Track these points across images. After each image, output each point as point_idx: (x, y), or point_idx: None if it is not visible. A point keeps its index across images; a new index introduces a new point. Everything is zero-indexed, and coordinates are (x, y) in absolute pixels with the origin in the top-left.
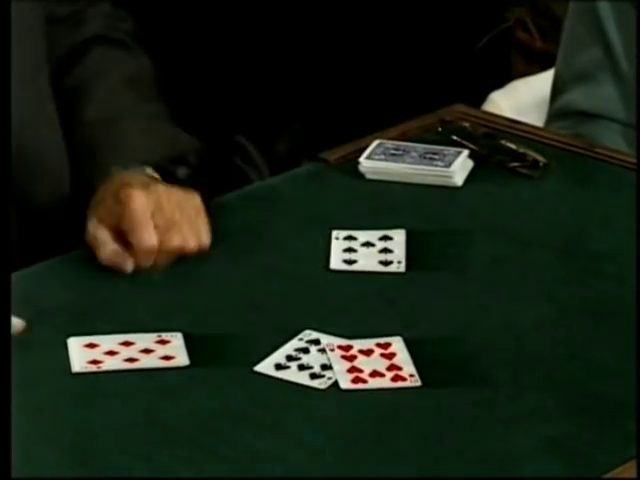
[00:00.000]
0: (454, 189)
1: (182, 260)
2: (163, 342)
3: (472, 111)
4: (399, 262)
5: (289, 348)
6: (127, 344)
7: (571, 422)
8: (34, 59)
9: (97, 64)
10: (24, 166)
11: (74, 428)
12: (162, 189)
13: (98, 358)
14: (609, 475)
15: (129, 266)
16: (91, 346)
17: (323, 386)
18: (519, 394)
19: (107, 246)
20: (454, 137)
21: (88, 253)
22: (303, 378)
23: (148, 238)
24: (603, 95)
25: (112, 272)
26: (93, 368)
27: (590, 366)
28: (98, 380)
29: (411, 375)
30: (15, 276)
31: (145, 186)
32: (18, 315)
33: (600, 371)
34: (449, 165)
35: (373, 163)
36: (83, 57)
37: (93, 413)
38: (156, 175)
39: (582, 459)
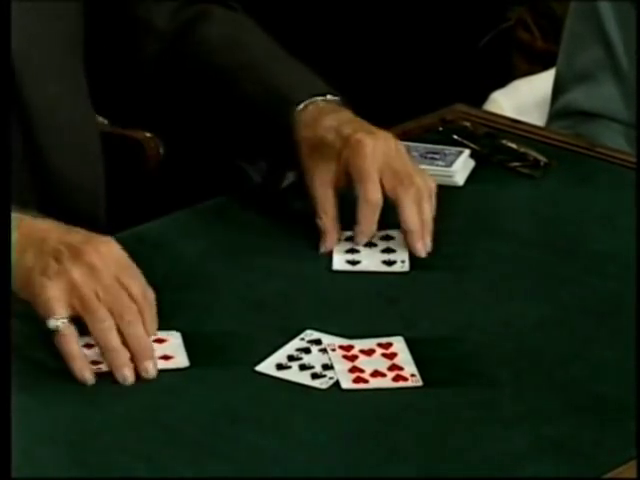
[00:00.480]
0: (455, 189)
1: (182, 259)
2: (160, 341)
3: (473, 111)
4: (402, 261)
5: (290, 348)
6: None
7: (572, 422)
8: (71, 34)
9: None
10: (58, 143)
11: (74, 428)
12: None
13: (97, 359)
14: (610, 475)
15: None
16: (88, 346)
17: (324, 386)
18: (520, 394)
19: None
20: (455, 137)
21: None
22: (304, 378)
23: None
24: (604, 95)
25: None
26: (92, 368)
27: (591, 366)
28: (98, 380)
29: (412, 375)
30: None
31: (371, 133)
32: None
33: (601, 371)
34: (450, 165)
35: None
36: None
37: (93, 413)
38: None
39: (583, 459)
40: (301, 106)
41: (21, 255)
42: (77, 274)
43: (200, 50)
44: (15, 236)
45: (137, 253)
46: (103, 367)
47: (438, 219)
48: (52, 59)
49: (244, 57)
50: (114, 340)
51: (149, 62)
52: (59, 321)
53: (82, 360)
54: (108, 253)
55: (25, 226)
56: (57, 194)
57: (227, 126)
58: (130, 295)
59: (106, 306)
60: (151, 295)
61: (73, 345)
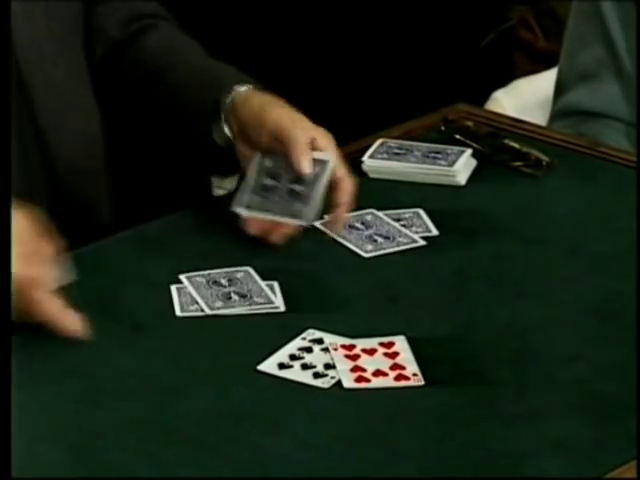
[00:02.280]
0: (457, 188)
1: (184, 257)
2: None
3: (475, 110)
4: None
5: (292, 347)
6: None
7: (574, 421)
8: (72, 20)
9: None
10: (57, 125)
11: (76, 427)
12: None
13: None
14: (611, 475)
15: None
16: None
17: (326, 385)
18: (522, 393)
19: None
20: (457, 136)
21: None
22: (306, 377)
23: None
24: (606, 94)
25: (110, 270)
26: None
27: (593, 365)
28: (100, 379)
29: (414, 374)
30: None
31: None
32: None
33: (603, 370)
34: (452, 164)
35: (376, 162)
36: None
37: (95, 412)
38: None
39: (585, 458)
40: (231, 92)
41: None
42: None
43: (140, 55)
44: None
45: (142, 251)
46: None
47: (440, 218)
48: (53, 43)
49: (177, 58)
50: None
51: (98, 66)
52: None
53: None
54: None
55: None
56: (60, 176)
57: (163, 124)
58: None
59: None
60: None
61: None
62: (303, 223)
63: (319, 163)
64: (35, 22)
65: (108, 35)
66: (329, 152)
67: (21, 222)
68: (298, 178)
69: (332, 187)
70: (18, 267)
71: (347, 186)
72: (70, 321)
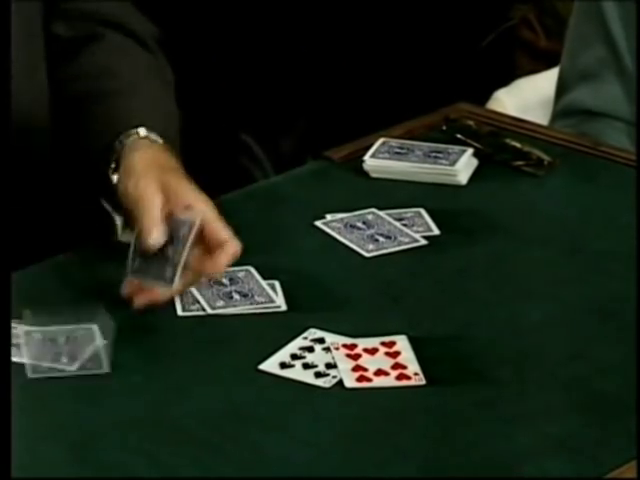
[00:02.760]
0: (458, 187)
1: None
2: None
3: (477, 109)
4: None
5: (293, 347)
6: None
7: (575, 421)
8: (29, 27)
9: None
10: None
11: (77, 426)
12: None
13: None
14: (612, 475)
15: None
16: None
17: (328, 385)
18: (523, 393)
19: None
20: (459, 135)
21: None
22: (308, 377)
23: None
24: (608, 93)
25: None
26: None
27: (594, 364)
28: (102, 377)
29: (416, 374)
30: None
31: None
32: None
33: (604, 369)
34: (453, 163)
35: (378, 161)
36: (102, 38)
37: (96, 411)
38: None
39: (586, 458)
40: (125, 135)
41: None
42: None
43: (76, 73)
44: None
45: None
46: None
47: (441, 218)
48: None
49: (103, 87)
50: None
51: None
52: None
53: None
54: None
55: None
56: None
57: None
58: None
59: None
60: None
61: None
62: (164, 286)
63: (183, 224)
64: None
65: (55, 34)
66: (201, 212)
67: None
68: (171, 241)
69: (213, 247)
70: None
71: (231, 250)
72: None
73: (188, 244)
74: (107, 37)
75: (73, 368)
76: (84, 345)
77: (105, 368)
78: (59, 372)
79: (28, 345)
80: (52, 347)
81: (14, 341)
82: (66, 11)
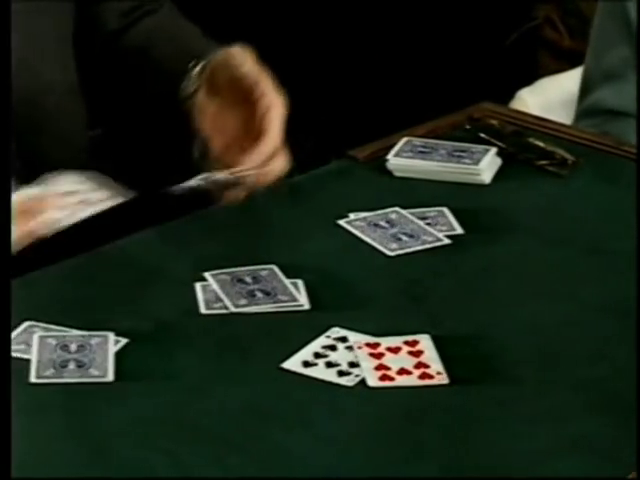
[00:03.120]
0: (482, 187)
1: (208, 255)
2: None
3: (500, 109)
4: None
5: (316, 345)
6: None
7: (594, 420)
8: (59, 28)
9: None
10: (46, 132)
11: (97, 425)
12: None
13: None
14: (631, 475)
15: None
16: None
17: (351, 383)
18: (544, 392)
19: None
20: (482, 135)
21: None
22: (331, 375)
23: None
24: (631, 93)
25: (134, 268)
26: None
27: (614, 364)
28: (122, 376)
29: (438, 373)
30: None
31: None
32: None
33: (624, 369)
34: (477, 163)
35: (401, 160)
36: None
37: (116, 410)
38: None
39: (604, 458)
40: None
41: None
42: None
43: (132, 36)
44: None
45: (166, 248)
46: None
47: (464, 217)
48: (44, 43)
49: (165, 36)
50: None
51: (93, 61)
52: None
53: None
54: None
55: None
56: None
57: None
58: None
59: None
60: None
61: None
62: None
63: None
64: (29, 35)
65: (106, 28)
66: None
67: None
68: None
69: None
70: None
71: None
72: None
73: None
74: (159, 10)
75: (77, 377)
76: (95, 353)
77: (109, 377)
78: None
79: (39, 350)
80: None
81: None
82: (115, 7)
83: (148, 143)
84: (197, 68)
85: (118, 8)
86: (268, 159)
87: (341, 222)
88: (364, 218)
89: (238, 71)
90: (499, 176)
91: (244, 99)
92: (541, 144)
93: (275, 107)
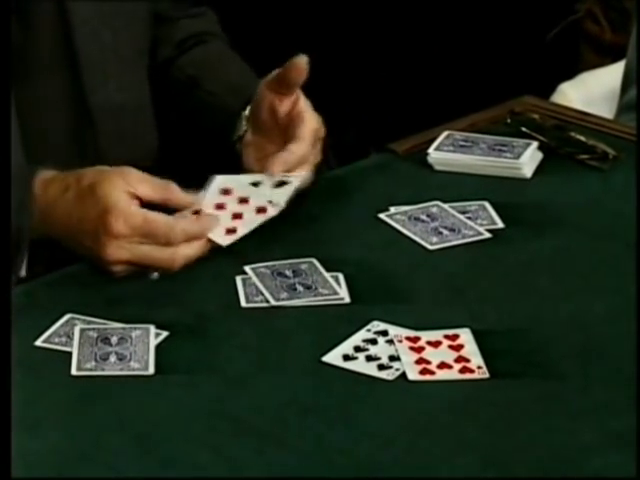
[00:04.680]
0: (523, 181)
1: (249, 248)
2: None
3: (541, 103)
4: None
5: (357, 339)
6: None
7: (637, 414)
8: (139, 44)
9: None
10: (123, 147)
11: (141, 417)
12: None
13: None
14: None
15: None
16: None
17: (391, 377)
18: (587, 387)
19: None
20: (523, 129)
21: None
22: (371, 369)
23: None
24: None
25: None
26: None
27: None
28: (162, 369)
29: (479, 367)
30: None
31: None
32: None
33: None
34: (518, 157)
35: (442, 154)
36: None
37: (160, 403)
38: None
39: None
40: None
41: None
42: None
43: (184, 63)
44: None
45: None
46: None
47: (506, 211)
48: (119, 67)
49: (216, 70)
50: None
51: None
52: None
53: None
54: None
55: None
56: None
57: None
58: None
59: None
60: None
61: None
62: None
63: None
64: (102, 45)
65: (163, 56)
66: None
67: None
68: None
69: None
70: None
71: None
72: None
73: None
74: (209, 41)
75: (117, 370)
76: (135, 345)
77: (150, 370)
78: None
79: (80, 343)
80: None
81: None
82: (171, 36)
83: (193, 171)
84: (247, 111)
85: (175, 37)
86: (298, 162)
87: (382, 216)
88: (405, 212)
89: (278, 107)
90: (540, 170)
91: (284, 131)
92: (582, 138)
93: (309, 121)
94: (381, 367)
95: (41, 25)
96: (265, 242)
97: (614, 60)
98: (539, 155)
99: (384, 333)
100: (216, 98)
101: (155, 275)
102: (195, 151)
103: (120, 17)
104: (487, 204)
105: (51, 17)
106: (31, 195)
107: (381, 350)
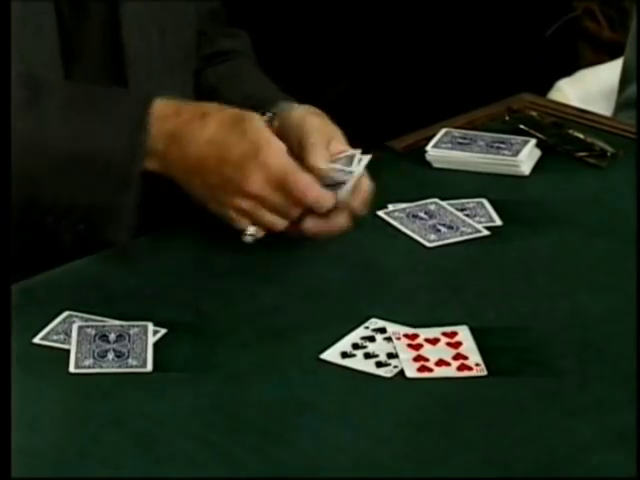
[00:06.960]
0: (521, 178)
1: (244, 246)
2: None
3: (540, 100)
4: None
5: (355, 336)
6: None
7: (637, 413)
8: (185, 47)
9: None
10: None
11: (140, 415)
12: None
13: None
14: None
15: None
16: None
17: (389, 374)
18: (585, 384)
19: None
20: (521, 126)
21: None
22: (369, 366)
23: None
24: None
25: (181, 260)
26: None
27: None
28: (161, 366)
29: (477, 364)
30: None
31: None
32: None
33: None
34: (516, 154)
35: (440, 152)
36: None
37: (159, 399)
38: None
39: None
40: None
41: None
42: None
43: (208, 75)
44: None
45: (206, 239)
46: None
47: (504, 208)
48: (164, 63)
49: (237, 84)
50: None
51: None
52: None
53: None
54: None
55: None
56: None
57: None
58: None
59: None
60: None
61: None
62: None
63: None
64: (149, 40)
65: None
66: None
67: None
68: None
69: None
70: None
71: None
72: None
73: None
74: (235, 59)
75: (115, 367)
76: (133, 343)
77: (148, 367)
78: (100, 369)
79: (78, 340)
80: (101, 344)
81: (68, 332)
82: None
83: None
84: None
85: (206, 51)
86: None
87: (380, 213)
88: (403, 209)
89: (309, 138)
90: (538, 167)
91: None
92: (581, 136)
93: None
94: (379, 364)
95: (93, 13)
96: (260, 241)
97: (612, 57)
98: (537, 152)
99: (382, 330)
100: (233, 106)
101: (251, 237)
102: None
103: (169, 18)
104: (485, 201)
105: (103, 5)
106: (148, 115)
107: (379, 347)
